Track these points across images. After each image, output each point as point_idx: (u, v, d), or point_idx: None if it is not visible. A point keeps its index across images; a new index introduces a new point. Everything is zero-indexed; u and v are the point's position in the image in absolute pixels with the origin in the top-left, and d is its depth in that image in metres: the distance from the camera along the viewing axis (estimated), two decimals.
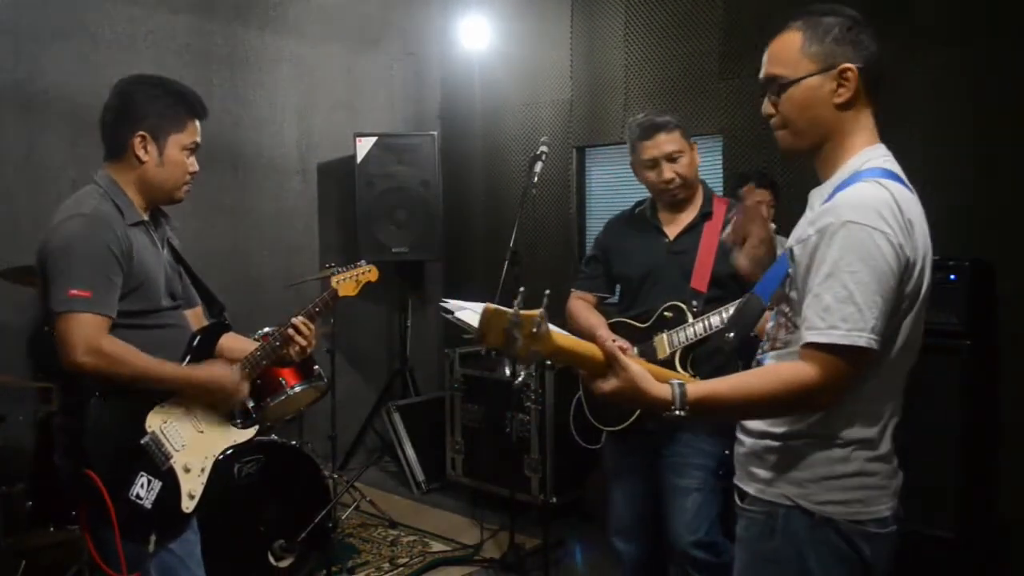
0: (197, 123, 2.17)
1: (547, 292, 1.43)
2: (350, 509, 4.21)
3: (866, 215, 1.44)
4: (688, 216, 2.75)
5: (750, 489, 1.62)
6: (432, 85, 5.70)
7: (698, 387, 1.49)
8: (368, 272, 2.57)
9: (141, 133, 2.08)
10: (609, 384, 1.48)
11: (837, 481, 1.52)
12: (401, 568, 3.71)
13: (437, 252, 5.20)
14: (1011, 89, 3.19)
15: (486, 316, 1.34)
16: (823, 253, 1.46)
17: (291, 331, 2.31)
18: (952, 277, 3.03)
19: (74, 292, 1.94)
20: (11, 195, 3.86)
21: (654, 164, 2.70)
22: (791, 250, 1.57)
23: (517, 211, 3.39)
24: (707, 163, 4.21)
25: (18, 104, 3.93)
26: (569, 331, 1.53)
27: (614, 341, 1.66)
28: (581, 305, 2.91)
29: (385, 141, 4.99)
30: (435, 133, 5.22)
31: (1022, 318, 3.15)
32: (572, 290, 2.97)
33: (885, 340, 1.47)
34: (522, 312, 1.35)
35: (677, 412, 1.45)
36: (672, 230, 2.75)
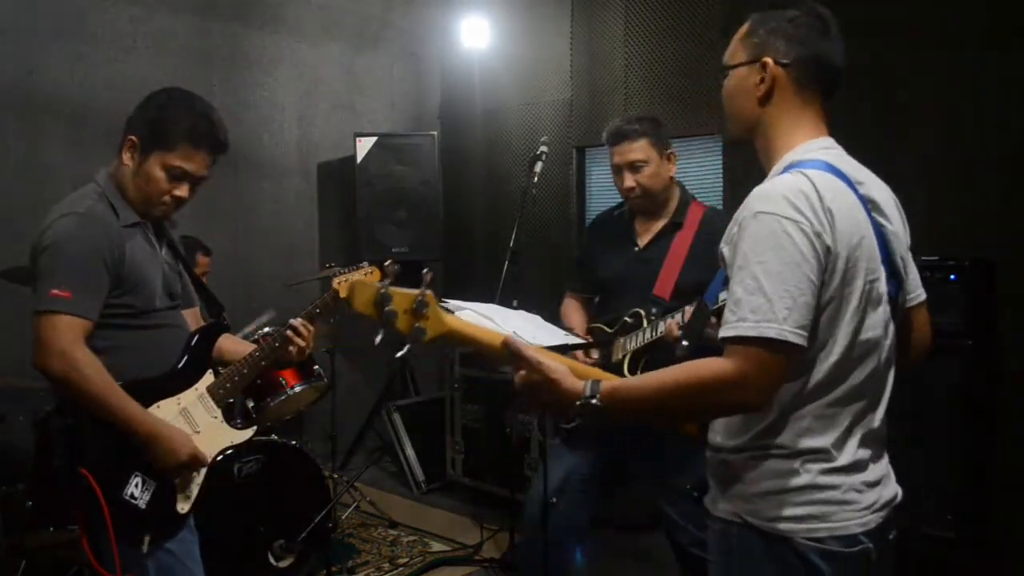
0: (198, 153, 2.08)
1: (425, 271, 1.45)
2: (350, 509, 4.21)
3: (776, 204, 1.38)
4: (658, 224, 2.77)
5: (709, 506, 1.57)
6: (432, 85, 5.70)
7: (613, 380, 1.45)
8: (370, 274, 2.58)
9: (132, 137, 2.07)
10: (520, 376, 1.46)
11: (787, 495, 1.43)
12: (401, 568, 3.71)
13: (437, 252, 5.20)
14: (1011, 90, 3.18)
15: (350, 285, 1.42)
16: (738, 247, 1.40)
17: (290, 332, 2.31)
18: (952, 277, 3.03)
19: (55, 292, 1.92)
20: (11, 195, 3.86)
21: (617, 171, 2.73)
22: (721, 252, 1.50)
23: (517, 211, 3.38)
24: (707, 163, 4.22)
25: (18, 104, 3.93)
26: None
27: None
28: (569, 306, 2.97)
29: (385, 141, 4.99)
30: (435, 133, 5.22)
31: (1022, 318, 3.15)
32: (566, 291, 3.00)
33: (815, 336, 1.39)
34: (395, 289, 1.40)
35: (591, 401, 1.39)
36: (643, 238, 2.79)
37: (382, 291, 1.40)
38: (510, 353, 1.46)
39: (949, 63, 3.32)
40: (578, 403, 1.41)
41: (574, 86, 4.85)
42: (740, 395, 1.35)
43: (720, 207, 3.70)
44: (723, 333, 1.37)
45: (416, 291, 1.41)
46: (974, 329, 3.04)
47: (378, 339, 1.45)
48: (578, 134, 4.86)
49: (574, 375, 1.44)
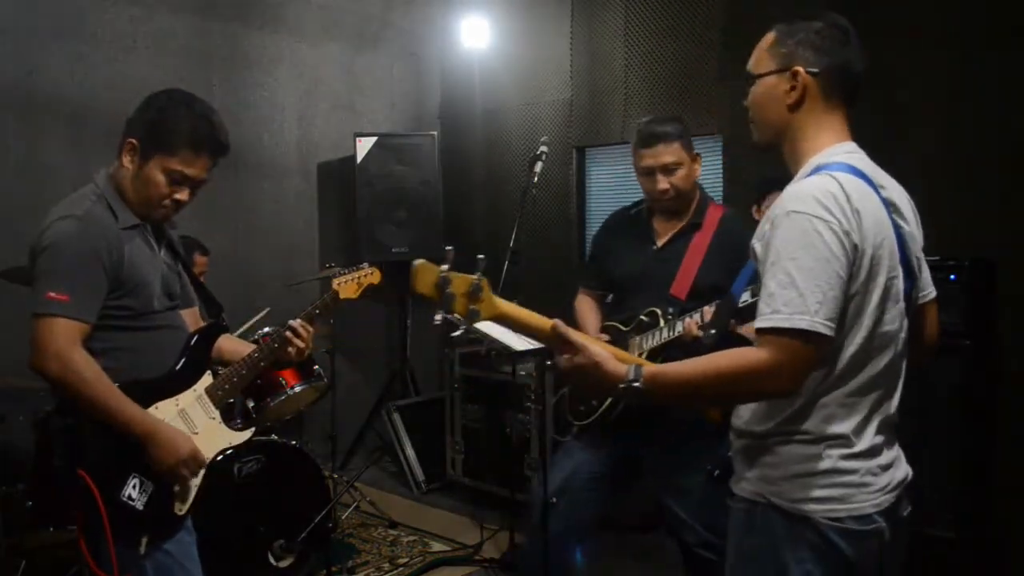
0: (199, 158, 2.07)
1: (480, 257, 1.54)
2: (350, 509, 4.21)
3: (807, 204, 1.47)
4: (678, 224, 2.76)
5: (734, 487, 1.65)
6: (432, 85, 5.70)
7: (653, 365, 1.56)
8: (371, 275, 2.56)
9: (131, 140, 2.05)
10: (565, 359, 1.56)
11: (811, 479, 1.52)
12: (401, 568, 3.71)
13: (437, 252, 5.20)
14: (1011, 90, 3.19)
15: (415, 267, 1.51)
16: (771, 244, 1.50)
17: (289, 333, 2.31)
18: (952, 277, 3.03)
19: (52, 295, 1.92)
20: (11, 195, 3.86)
21: (649, 172, 2.71)
22: (754, 248, 1.60)
23: (517, 211, 3.38)
24: (707, 163, 4.20)
25: (18, 104, 3.94)
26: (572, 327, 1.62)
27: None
28: (583, 304, 2.96)
29: (385, 141, 4.99)
30: (435, 133, 5.22)
31: (1022, 318, 3.15)
32: (579, 288, 3.00)
33: (840, 327, 1.47)
34: (454, 273, 1.50)
35: (634, 384, 1.49)
36: (662, 237, 2.78)
37: (443, 274, 1.49)
38: (558, 337, 1.56)
39: (949, 63, 3.32)
40: (621, 386, 1.51)
41: (574, 86, 4.86)
42: (775, 383, 1.45)
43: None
44: (758, 324, 1.46)
45: (473, 276, 1.51)
46: (974, 329, 3.04)
47: (438, 318, 1.56)
48: (578, 134, 4.86)
49: (617, 360, 1.55)
